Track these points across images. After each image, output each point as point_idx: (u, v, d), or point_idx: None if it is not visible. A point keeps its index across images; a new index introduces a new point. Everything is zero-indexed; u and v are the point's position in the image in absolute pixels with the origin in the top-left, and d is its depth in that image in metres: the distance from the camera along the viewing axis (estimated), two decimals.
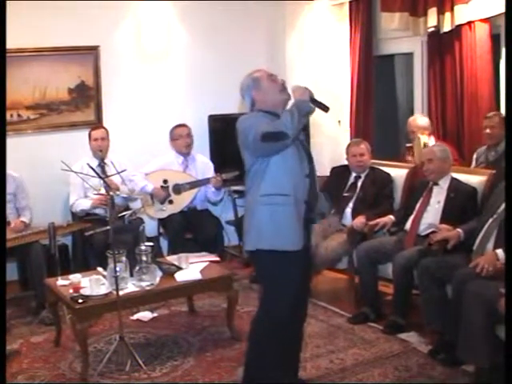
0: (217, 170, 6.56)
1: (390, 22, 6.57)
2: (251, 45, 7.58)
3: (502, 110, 5.95)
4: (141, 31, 7.00)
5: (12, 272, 6.32)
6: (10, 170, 5.99)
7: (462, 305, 4.16)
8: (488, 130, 5.72)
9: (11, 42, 6.24)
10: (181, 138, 6.56)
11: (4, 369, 3.29)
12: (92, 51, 6.76)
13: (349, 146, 6.07)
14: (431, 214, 5.19)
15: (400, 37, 6.82)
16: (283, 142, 3.69)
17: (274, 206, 3.78)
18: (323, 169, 6.77)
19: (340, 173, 6.09)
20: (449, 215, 5.08)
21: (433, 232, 4.99)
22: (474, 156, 5.92)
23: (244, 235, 3.95)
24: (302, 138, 3.98)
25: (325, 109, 3.95)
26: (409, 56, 7.07)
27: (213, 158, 6.94)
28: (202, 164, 6.67)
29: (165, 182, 6.44)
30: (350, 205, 5.83)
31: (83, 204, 6.27)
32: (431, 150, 5.35)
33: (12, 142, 6.06)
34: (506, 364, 3.05)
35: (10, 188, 5.90)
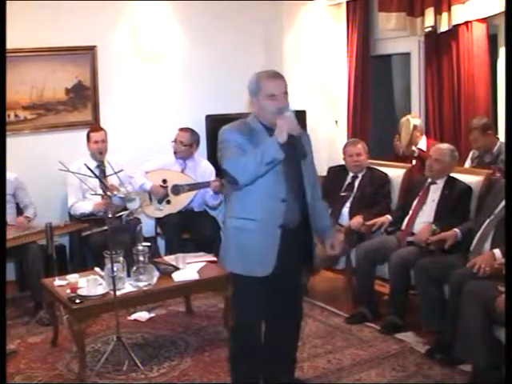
0: (217, 172, 6.54)
1: (388, 22, 6.59)
2: (248, 45, 7.57)
3: (500, 110, 5.97)
4: (138, 31, 6.98)
5: (9, 272, 6.30)
6: (8, 171, 6.00)
7: (459, 305, 4.17)
8: (473, 146, 5.78)
9: (8, 42, 6.25)
10: (176, 142, 6.53)
11: (4, 369, 3.29)
12: (89, 51, 6.74)
13: (346, 145, 6.07)
14: (427, 212, 5.21)
15: (397, 37, 6.84)
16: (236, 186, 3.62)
17: (240, 230, 3.71)
18: (320, 169, 6.78)
19: (337, 173, 6.08)
20: (442, 212, 5.10)
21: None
22: (470, 155, 5.94)
23: None
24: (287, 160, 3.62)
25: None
26: (406, 56, 7.08)
27: (210, 158, 6.93)
28: (204, 168, 6.62)
29: (164, 181, 6.43)
30: (347, 205, 5.83)
31: (83, 207, 6.23)
32: (441, 151, 5.26)
33: (9, 142, 6.04)
34: (506, 364, 3.04)
35: (8, 189, 5.92)
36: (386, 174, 5.90)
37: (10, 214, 5.96)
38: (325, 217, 4.02)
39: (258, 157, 3.48)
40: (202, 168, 6.64)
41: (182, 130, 6.55)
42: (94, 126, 6.62)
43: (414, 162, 6.29)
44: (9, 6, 6.08)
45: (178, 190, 6.41)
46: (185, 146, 6.49)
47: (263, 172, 3.52)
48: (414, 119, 6.22)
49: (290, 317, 4.00)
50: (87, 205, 6.22)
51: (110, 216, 4.72)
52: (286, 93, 3.73)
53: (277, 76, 3.76)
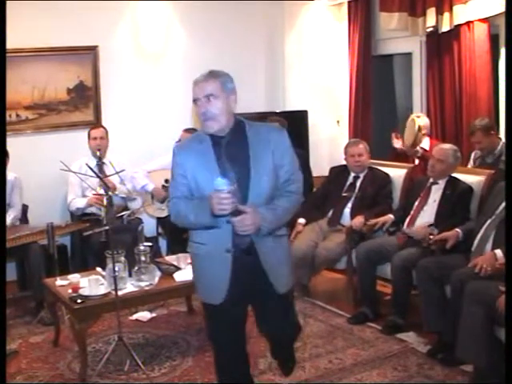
0: None
1: (389, 22, 6.59)
2: (250, 44, 7.59)
3: (501, 110, 5.96)
4: (139, 31, 7.00)
5: (10, 272, 6.31)
6: (8, 171, 6.00)
7: (460, 305, 4.17)
8: (476, 147, 5.77)
9: (10, 42, 6.25)
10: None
11: (4, 369, 3.29)
12: (91, 51, 6.76)
13: (347, 146, 6.06)
14: (428, 212, 5.21)
15: (399, 37, 6.83)
16: None
17: (194, 255, 3.51)
18: (322, 169, 6.81)
19: (339, 173, 6.08)
20: (443, 213, 5.10)
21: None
22: (472, 156, 5.93)
23: None
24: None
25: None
26: (408, 56, 7.08)
27: None
28: None
29: (166, 181, 6.42)
30: (349, 205, 5.83)
31: (79, 203, 6.29)
32: (445, 152, 5.24)
33: (11, 142, 6.05)
34: (506, 364, 3.04)
35: (7, 189, 5.94)
36: (387, 174, 5.89)
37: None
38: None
39: (192, 218, 3.31)
40: None
41: (186, 130, 6.55)
42: (95, 124, 6.64)
43: (416, 161, 6.29)
44: (10, 5, 6.10)
45: None
46: None
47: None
48: (420, 119, 6.19)
49: (279, 337, 3.85)
50: (82, 201, 6.26)
51: (106, 213, 4.71)
52: (211, 95, 3.31)
53: (202, 79, 3.40)
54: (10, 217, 5.91)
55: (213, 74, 3.43)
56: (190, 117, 7.05)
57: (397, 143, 6.44)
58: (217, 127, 3.31)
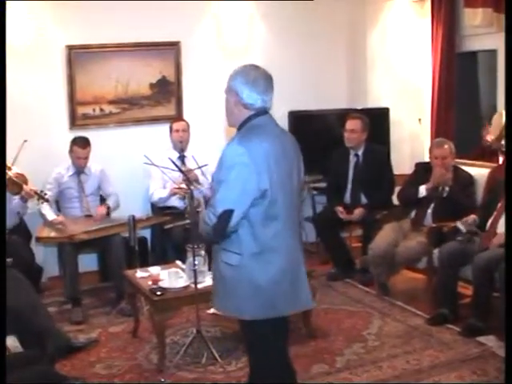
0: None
1: (473, 19, 6.45)
2: (332, 42, 7.57)
3: None
4: (222, 28, 7.05)
5: (92, 263, 6.47)
6: (94, 163, 6.15)
7: None
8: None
9: (94, 38, 6.41)
10: None
11: (4, 369, 3.32)
12: (173, 47, 6.84)
13: (431, 146, 5.96)
14: None
15: (483, 33, 6.68)
16: None
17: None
18: (403, 166, 6.74)
19: (423, 170, 5.98)
20: None
21: None
22: None
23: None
24: None
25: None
26: (492, 53, 6.92)
27: None
28: None
29: None
30: (432, 205, 5.76)
31: (161, 193, 6.36)
32: None
33: (94, 136, 6.20)
34: (506, 364, 2.99)
35: (94, 182, 6.11)
36: (470, 175, 5.81)
37: (93, 208, 6.11)
38: None
39: None
40: None
41: None
42: (177, 117, 6.74)
43: (500, 160, 6.15)
44: (96, 3, 6.26)
45: None
46: None
47: None
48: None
49: None
50: (164, 191, 6.35)
51: (189, 207, 4.73)
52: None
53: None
54: (111, 202, 6.18)
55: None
56: (272, 112, 7.02)
57: (489, 137, 6.29)
58: None
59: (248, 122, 3.30)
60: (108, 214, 6.13)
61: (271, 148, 3.20)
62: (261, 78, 3.33)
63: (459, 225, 5.25)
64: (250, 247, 3.14)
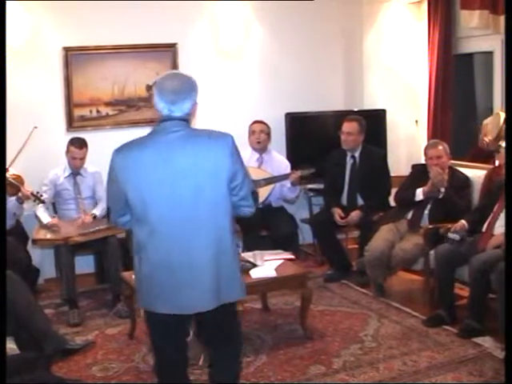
0: (293, 168, 6.52)
1: (470, 20, 6.45)
2: (327, 43, 7.58)
3: None
4: (218, 29, 7.06)
5: (89, 265, 6.46)
6: (90, 165, 6.14)
7: None
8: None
9: (91, 39, 6.41)
10: (254, 133, 6.57)
11: (4, 369, 3.32)
12: (170, 48, 6.85)
13: (426, 147, 5.97)
14: None
15: (480, 35, 6.69)
16: None
17: None
18: (400, 168, 6.75)
19: (420, 171, 5.99)
20: None
21: None
22: None
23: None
24: None
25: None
26: (489, 55, 6.94)
27: (289, 156, 6.94)
28: (279, 162, 6.63)
29: None
30: (429, 207, 5.77)
31: None
32: None
33: (91, 137, 6.19)
34: (506, 363, 2.98)
35: (90, 184, 6.10)
36: (467, 177, 5.81)
37: (89, 209, 6.08)
38: None
39: None
40: (278, 162, 6.66)
41: (254, 122, 6.64)
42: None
43: (496, 162, 6.15)
44: (91, 4, 6.26)
45: (254, 185, 6.42)
46: (265, 135, 6.58)
47: None
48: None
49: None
50: None
51: None
52: None
53: None
54: (99, 210, 6.04)
55: None
56: (268, 114, 7.05)
57: (486, 138, 6.28)
58: None
59: (155, 126, 3.46)
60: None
61: (150, 154, 3.36)
62: (170, 90, 3.35)
63: (451, 235, 5.25)
64: (134, 243, 3.41)
